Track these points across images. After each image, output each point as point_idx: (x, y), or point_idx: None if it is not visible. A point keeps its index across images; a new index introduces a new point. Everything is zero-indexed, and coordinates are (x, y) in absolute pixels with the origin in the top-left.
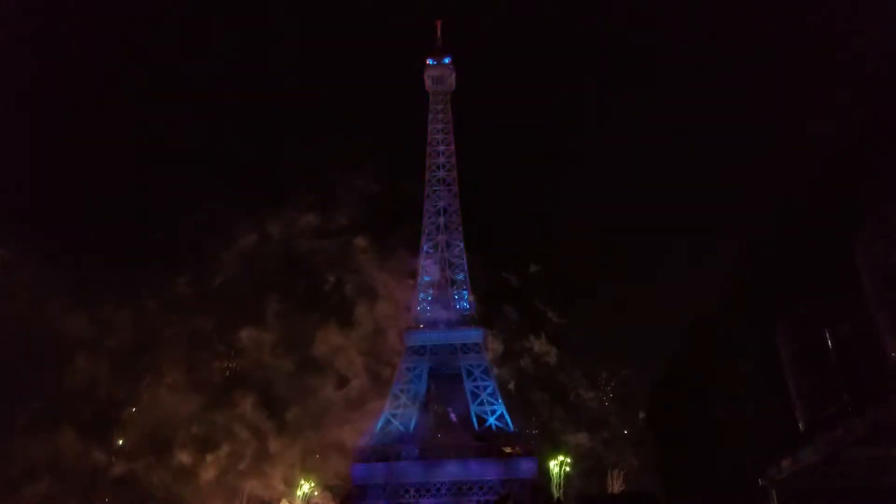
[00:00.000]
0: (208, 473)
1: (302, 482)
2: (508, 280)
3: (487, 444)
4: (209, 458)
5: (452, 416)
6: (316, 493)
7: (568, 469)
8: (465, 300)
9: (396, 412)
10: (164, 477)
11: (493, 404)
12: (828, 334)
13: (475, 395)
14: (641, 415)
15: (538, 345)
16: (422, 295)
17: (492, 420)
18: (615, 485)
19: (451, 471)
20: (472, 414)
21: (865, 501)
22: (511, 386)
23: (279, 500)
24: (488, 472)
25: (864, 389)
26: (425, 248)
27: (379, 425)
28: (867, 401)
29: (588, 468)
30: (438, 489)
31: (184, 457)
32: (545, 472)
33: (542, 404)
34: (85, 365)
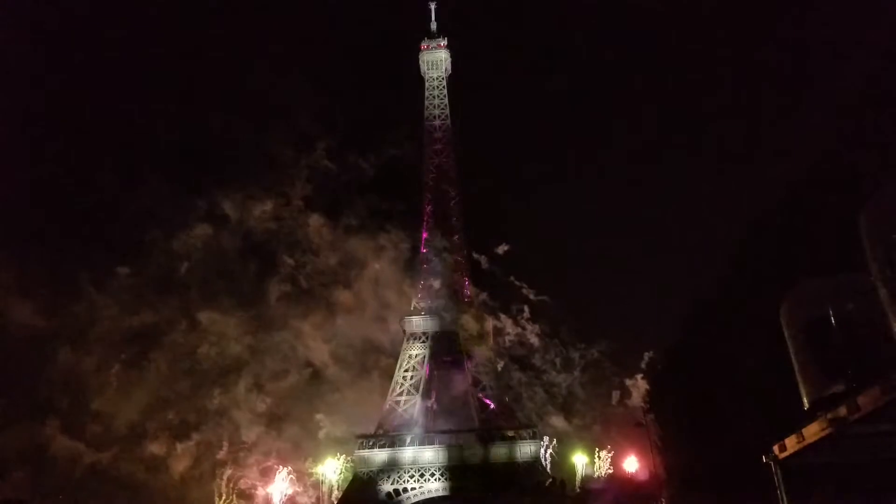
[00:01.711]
0: (182, 463)
1: (281, 468)
2: (492, 260)
3: (489, 427)
4: (181, 447)
5: (434, 404)
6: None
7: (553, 452)
8: (465, 287)
9: (399, 398)
10: (136, 468)
11: (494, 389)
12: (831, 312)
13: (477, 381)
14: (616, 394)
15: (510, 325)
16: (422, 282)
17: (493, 405)
18: (603, 466)
19: (455, 455)
20: (474, 399)
21: (870, 476)
22: (499, 367)
23: (255, 489)
24: (491, 455)
25: (868, 366)
26: (425, 235)
27: (382, 411)
28: (871, 378)
29: (564, 450)
30: (442, 473)
31: (156, 447)
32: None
33: (522, 385)
34: (60, 357)
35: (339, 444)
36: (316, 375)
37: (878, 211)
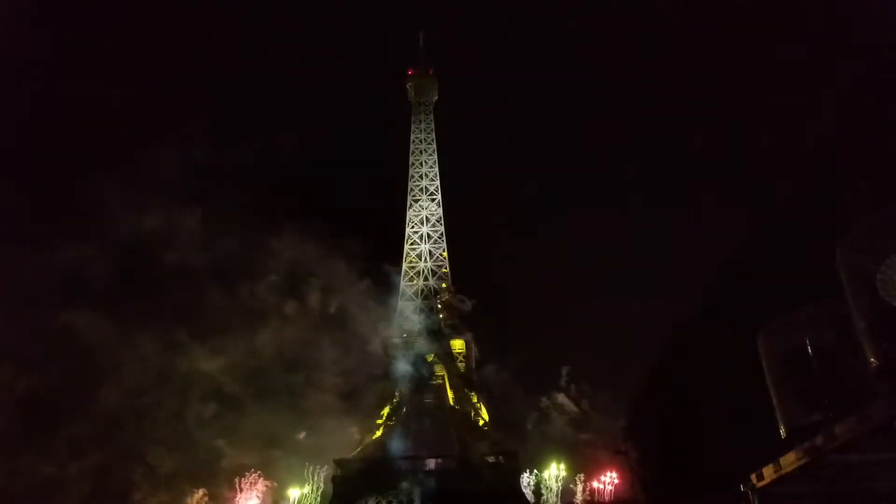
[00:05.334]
0: (81, 486)
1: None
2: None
3: (470, 451)
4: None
5: (413, 429)
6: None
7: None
8: (447, 310)
9: (378, 422)
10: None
11: (476, 413)
12: (808, 341)
13: (460, 404)
14: (535, 415)
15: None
16: (403, 304)
17: (475, 428)
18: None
19: (434, 479)
20: (455, 423)
21: None
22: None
23: None
24: (471, 480)
25: (845, 396)
26: (408, 257)
27: (363, 434)
28: (847, 408)
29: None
30: (422, 500)
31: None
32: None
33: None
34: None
35: (262, 470)
36: (217, 395)
37: (854, 243)
